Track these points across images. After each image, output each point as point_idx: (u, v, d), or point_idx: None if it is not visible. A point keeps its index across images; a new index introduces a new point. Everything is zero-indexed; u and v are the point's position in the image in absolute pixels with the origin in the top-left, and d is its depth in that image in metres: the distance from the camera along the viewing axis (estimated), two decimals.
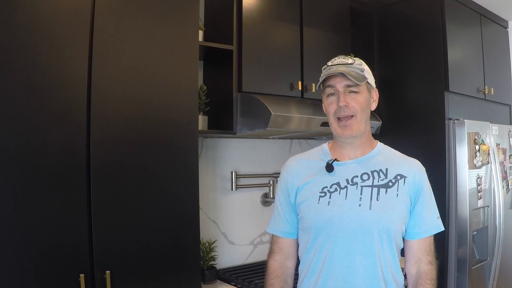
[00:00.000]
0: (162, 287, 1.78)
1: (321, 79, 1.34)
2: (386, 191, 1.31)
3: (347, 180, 1.33)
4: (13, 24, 1.48)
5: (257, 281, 2.21)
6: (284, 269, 1.46)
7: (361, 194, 1.30)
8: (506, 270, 2.87)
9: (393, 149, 1.45)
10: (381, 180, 1.33)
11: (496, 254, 2.75)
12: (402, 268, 1.38)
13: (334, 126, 1.35)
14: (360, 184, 1.32)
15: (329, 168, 1.35)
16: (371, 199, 1.29)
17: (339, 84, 1.31)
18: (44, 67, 1.54)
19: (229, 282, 2.27)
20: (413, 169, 1.37)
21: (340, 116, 1.32)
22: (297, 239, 1.44)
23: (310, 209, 1.34)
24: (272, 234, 1.49)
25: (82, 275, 1.55)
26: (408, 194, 1.33)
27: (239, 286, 2.21)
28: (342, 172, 1.35)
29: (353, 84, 1.30)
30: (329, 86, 1.33)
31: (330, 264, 1.29)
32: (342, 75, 1.29)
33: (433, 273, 1.36)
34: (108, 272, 1.61)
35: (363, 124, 1.34)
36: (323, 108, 1.40)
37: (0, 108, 1.45)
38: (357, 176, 1.33)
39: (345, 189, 1.32)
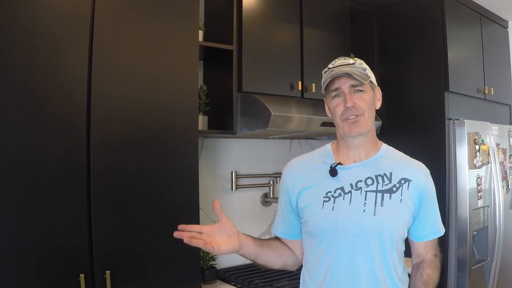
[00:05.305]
0: (162, 287, 1.78)
1: (325, 82, 1.32)
2: (390, 196, 1.30)
3: (351, 184, 1.32)
4: (13, 26, 1.48)
5: (257, 281, 2.22)
6: (287, 248, 1.44)
7: (365, 200, 1.29)
8: (506, 270, 2.87)
9: (397, 151, 1.43)
10: (385, 185, 1.31)
11: (496, 254, 2.75)
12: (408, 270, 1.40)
13: (341, 125, 1.32)
14: (364, 189, 1.31)
15: (333, 172, 1.34)
16: (375, 204, 1.28)
17: (344, 85, 1.29)
18: (44, 69, 1.54)
19: (229, 282, 2.27)
20: (418, 173, 1.36)
21: (347, 117, 1.30)
22: (297, 241, 1.43)
23: (314, 214, 1.33)
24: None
25: (82, 275, 1.55)
26: (412, 199, 1.32)
27: (239, 286, 2.21)
28: (346, 177, 1.33)
29: (358, 84, 1.29)
30: (334, 88, 1.31)
31: (334, 269, 1.29)
32: (347, 75, 1.28)
33: (436, 261, 1.39)
34: (108, 272, 1.61)
35: (370, 123, 1.33)
36: (327, 111, 1.38)
37: (1, 110, 1.45)
38: (361, 181, 1.32)
39: (349, 194, 1.31)
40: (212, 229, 1.22)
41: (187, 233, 1.17)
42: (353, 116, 1.29)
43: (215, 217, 1.25)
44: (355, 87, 1.30)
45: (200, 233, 1.20)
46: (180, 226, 1.19)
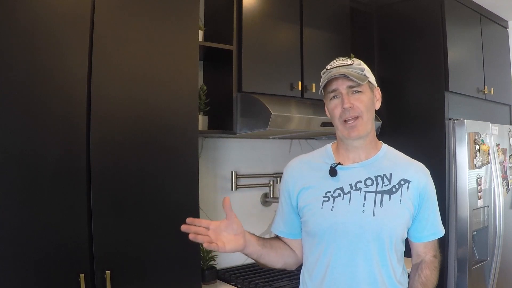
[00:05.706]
0: (162, 287, 1.78)
1: (323, 83, 1.32)
2: (390, 197, 1.30)
3: (350, 185, 1.32)
4: (13, 26, 1.48)
5: (257, 281, 2.22)
6: (288, 248, 1.44)
7: (364, 200, 1.29)
8: (506, 270, 2.88)
9: (398, 152, 1.43)
10: (384, 185, 1.31)
11: (496, 254, 2.76)
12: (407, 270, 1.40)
13: (340, 128, 1.32)
14: (363, 189, 1.31)
15: (333, 172, 1.34)
16: (374, 205, 1.28)
17: (342, 86, 1.29)
18: (44, 69, 1.54)
19: (229, 282, 2.27)
20: (417, 174, 1.35)
21: (346, 119, 1.29)
22: (297, 240, 1.43)
23: (313, 214, 1.33)
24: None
25: (82, 275, 1.55)
26: (411, 200, 1.32)
27: (239, 286, 2.21)
28: (345, 177, 1.33)
29: (355, 85, 1.28)
30: (332, 89, 1.31)
31: (333, 270, 1.29)
32: (344, 76, 1.28)
33: (435, 262, 1.39)
34: (108, 272, 1.61)
35: (369, 124, 1.33)
36: (327, 112, 1.38)
37: (1, 110, 1.45)
38: (360, 181, 1.32)
39: (349, 194, 1.31)
40: (219, 226, 1.21)
41: (193, 229, 1.17)
42: (351, 120, 1.29)
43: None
44: (353, 88, 1.29)
45: (207, 228, 1.19)
46: (188, 220, 1.18)
